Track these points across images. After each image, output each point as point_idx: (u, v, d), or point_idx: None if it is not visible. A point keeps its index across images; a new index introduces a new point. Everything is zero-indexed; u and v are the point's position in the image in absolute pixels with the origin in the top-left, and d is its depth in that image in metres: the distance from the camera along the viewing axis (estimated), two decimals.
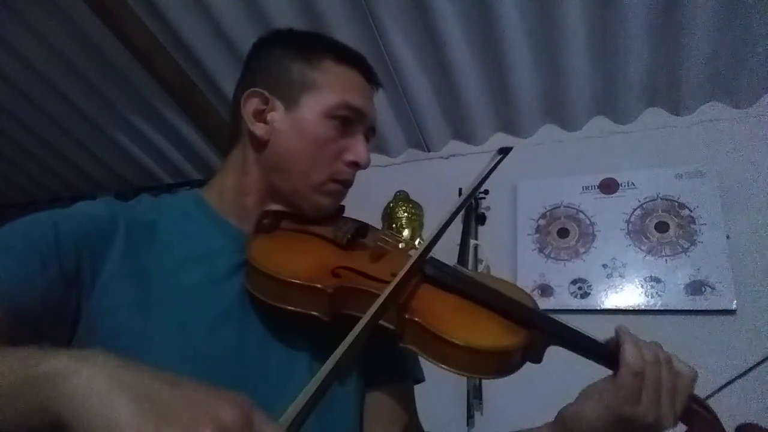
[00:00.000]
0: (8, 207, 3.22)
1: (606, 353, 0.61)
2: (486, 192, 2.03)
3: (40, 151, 2.76)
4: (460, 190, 2.07)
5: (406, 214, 2.18)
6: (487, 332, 0.61)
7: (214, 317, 0.64)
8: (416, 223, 2.17)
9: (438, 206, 2.13)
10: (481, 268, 1.94)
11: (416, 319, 0.59)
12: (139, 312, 0.60)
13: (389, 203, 2.23)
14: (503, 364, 0.59)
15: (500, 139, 2.16)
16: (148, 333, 0.60)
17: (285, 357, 0.67)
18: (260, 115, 0.74)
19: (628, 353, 0.58)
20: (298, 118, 0.72)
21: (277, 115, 0.73)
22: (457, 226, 2.03)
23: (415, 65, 1.92)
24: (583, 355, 0.62)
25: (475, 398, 1.79)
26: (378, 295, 0.59)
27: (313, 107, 0.72)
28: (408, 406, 0.78)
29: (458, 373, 0.58)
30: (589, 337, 0.62)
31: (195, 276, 0.66)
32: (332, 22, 1.79)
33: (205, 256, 0.68)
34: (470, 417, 1.77)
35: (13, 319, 0.53)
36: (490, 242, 1.97)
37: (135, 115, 2.40)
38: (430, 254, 0.69)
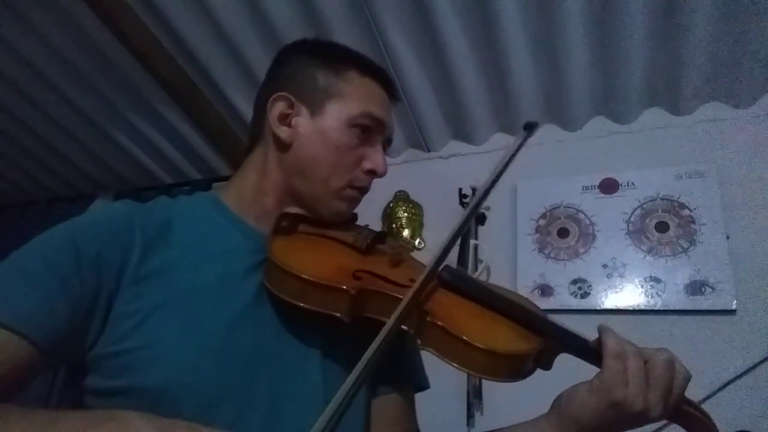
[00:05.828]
0: (8, 207, 3.21)
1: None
2: None
3: (40, 151, 2.75)
4: (460, 190, 2.07)
5: (406, 214, 2.18)
6: (505, 337, 0.63)
7: (231, 315, 0.65)
8: (416, 223, 2.17)
9: (438, 206, 2.13)
10: (481, 268, 1.94)
11: (439, 322, 0.60)
12: (154, 313, 0.61)
13: (389, 203, 2.23)
14: (518, 368, 0.61)
15: (500, 139, 2.16)
16: (162, 332, 0.60)
17: (298, 355, 0.68)
18: (285, 119, 0.76)
19: (609, 341, 0.60)
20: (321, 125, 0.75)
21: (302, 120, 0.75)
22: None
23: (415, 65, 1.92)
24: (591, 362, 0.63)
25: (475, 398, 1.78)
26: (399, 299, 0.61)
27: (337, 115, 0.74)
28: (409, 412, 0.81)
29: (473, 375, 0.60)
30: (591, 347, 0.63)
31: (211, 275, 0.66)
32: (332, 21, 1.79)
33: (221, 256, 0.69)
34: (470, 417, 1.77)
35: (43, 350, 0.55)
36: (490, 242, 1.97)
37: (135, 115, 2.40)
38: (446, 262, 0.70)
